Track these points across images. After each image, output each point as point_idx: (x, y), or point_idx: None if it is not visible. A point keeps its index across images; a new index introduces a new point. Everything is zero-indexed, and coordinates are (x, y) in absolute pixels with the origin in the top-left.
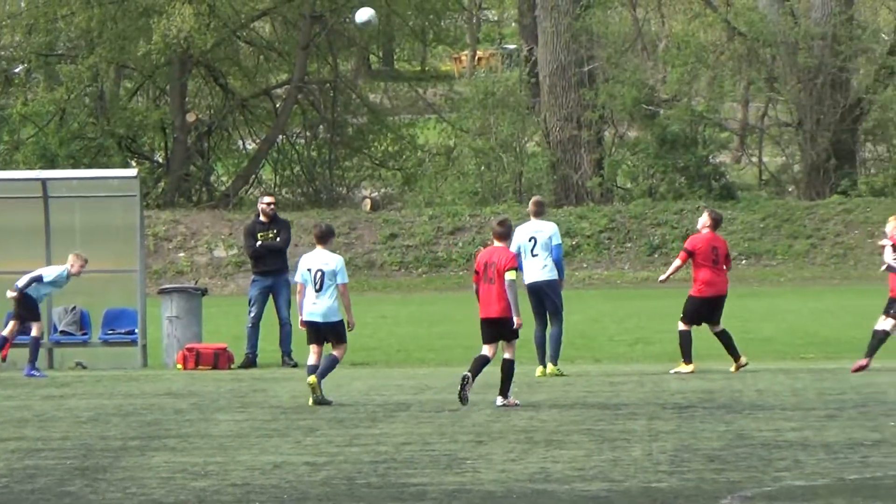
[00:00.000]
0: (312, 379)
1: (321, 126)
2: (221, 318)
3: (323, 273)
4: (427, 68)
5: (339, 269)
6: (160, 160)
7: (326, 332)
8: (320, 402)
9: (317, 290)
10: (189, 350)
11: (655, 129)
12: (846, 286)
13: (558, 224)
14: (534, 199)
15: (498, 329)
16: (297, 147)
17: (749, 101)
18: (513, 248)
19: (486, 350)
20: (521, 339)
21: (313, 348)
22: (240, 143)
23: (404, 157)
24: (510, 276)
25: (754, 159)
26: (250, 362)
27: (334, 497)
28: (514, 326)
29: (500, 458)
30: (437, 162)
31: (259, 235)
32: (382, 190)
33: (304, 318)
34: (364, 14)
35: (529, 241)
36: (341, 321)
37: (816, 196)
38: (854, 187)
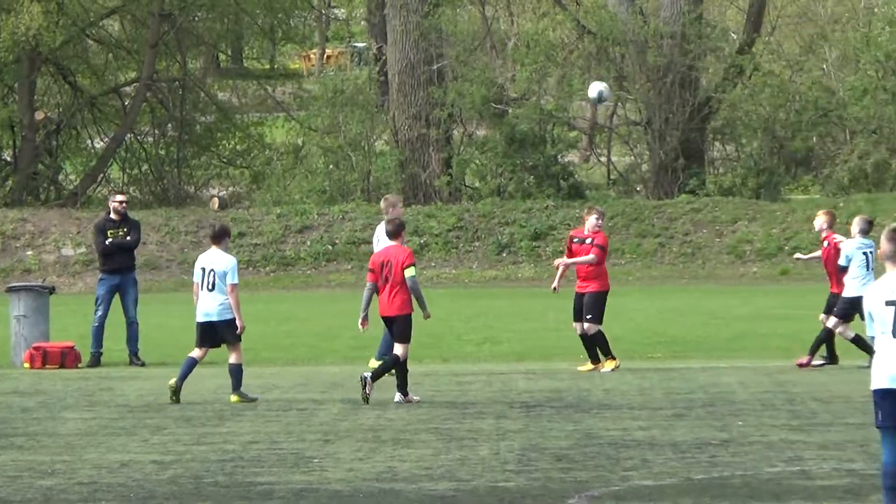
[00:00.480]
0: (234, 398)
1: (169, 124)
2: (69, 316)
3: (214, 273)
4: (276, 66)
5: (230, 270)
6: (8, 158)
7: (222, 331)
8: (247, 400)
9: (209, 290)
10: (36, 349)
11: (504, 127)
12: (694, 285)
13: (407, 222)
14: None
15: (393, 327)
16: (145, 145)
17: None
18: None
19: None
20: (371, 338)
21: (198, 347)
22: (88, 141)
23: (252, 155)
24: (410, 272)
25: (603, 158)
26: (96, 361)
27: (181, 496)
28: (424, 318)
29: (347, 457)
30: (286, 160)
31: (109, 233)
32: (230, 188)
33: (199, 319)
34: (596, 89)
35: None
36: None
37: (665, 195)
38: (702, 186)
